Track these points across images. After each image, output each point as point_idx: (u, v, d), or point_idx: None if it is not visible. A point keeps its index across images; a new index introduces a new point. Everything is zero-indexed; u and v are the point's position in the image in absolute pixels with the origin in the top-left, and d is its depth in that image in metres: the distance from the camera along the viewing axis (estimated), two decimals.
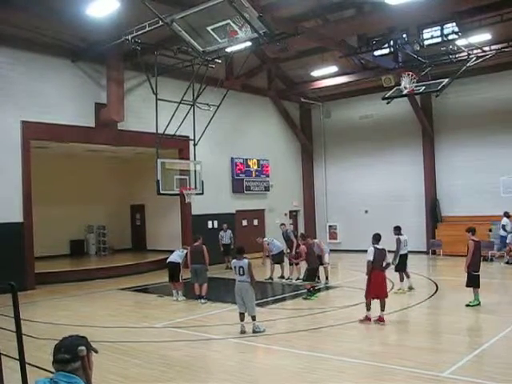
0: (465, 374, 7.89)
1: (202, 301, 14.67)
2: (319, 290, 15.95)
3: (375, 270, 11.63)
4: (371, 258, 11.60)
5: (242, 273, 11.07)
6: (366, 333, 11.15)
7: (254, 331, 10.99)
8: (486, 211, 23.57)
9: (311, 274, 15.56)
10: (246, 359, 9.53)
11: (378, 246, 11.85)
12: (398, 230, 15.68)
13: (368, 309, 11.66)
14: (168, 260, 15.77)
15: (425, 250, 25.28)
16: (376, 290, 11.61)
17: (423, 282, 17.82)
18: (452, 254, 23.35)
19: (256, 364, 9.28)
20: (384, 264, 11.82)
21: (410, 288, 15.65)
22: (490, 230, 23.20)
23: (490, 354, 9.06)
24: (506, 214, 21.90)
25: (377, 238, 12.02)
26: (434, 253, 24.89)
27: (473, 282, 13.17)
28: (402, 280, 15.55)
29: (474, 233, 13.72)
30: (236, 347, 10.35)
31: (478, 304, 13.02)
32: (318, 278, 16.60)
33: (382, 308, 11.55)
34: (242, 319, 11.19)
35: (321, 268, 16.77)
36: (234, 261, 11.47)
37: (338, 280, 18.67)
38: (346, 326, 11.55)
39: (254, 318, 11.13)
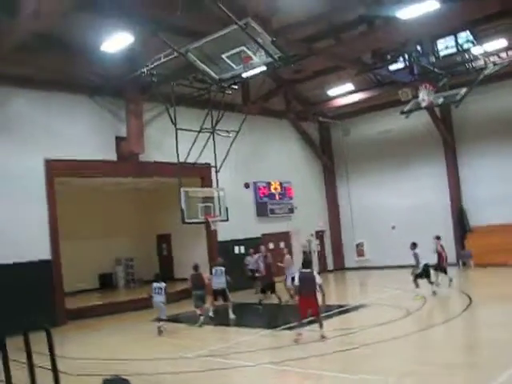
0: None
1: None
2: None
3: (305, 293, 12.20)
4: (319, 282, 12.24)
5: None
6: (401, 351, 10.95)
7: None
8: None
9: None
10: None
11: (304, 270, 12.47)
12: (414, 245, 17.43)
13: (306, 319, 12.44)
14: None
15: (454, 261, 24.90)
16: (308, 309, 12.25)
17: (456, 295, 17.54)
18: (484, 264, 23.00)
19: None
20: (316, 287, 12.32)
21: (434, 293, 16.94)
22: None
23: None
24: None
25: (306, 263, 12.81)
26: (464, 264, 24.52)
27: None
28: (417, 287, 17.07)
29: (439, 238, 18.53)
30: (272, 373, 10.23)
31: None
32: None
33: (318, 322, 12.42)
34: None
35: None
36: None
37: (368, 297, 18.44)
38: (379, 344, 11.36)
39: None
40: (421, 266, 17.02)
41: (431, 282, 17.30)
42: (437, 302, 16.84)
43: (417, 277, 17.11)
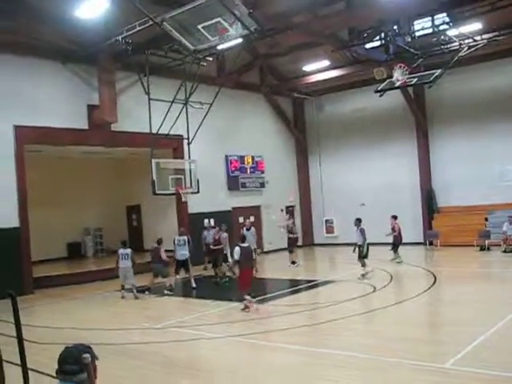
0: (466, 365, 7.91)
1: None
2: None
3: (244, 267, 12.83)
4: (237, 258, 12.82)
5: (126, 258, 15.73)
6: (366, 326, 11.16)
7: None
8: (482, 201, 23.61)
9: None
10: (248, 357, 9.53)
11: (243, 245, 13.02)
12: (359, 221, 17.53)
13: (245, 299, 12.91)
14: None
15: (422, 241, 25.32)
16: (246, 284, 12.92)
17: (422, 273, 17.86)
18: (449, 244, 23.43)
19: (258, 361, 9.26)
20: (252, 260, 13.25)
21: (364, 275, 16.72)
22: (486, 220, 23.28)
23: (489, 344, 9.06)
24: None
25: (242, 238, 13.39)
26: (431, 243, 24.93)
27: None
28: (364, 265, 17.08)
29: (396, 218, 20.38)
30: (238, 345, 10.34)
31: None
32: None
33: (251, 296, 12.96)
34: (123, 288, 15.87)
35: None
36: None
37: (336, 274, 18.70)
38: (345, 320, 11.54)
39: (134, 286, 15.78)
40: (366, 243, 17.17)
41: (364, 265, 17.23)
42: (403, 280, 17.16)
43: (362, 257, 17.15)
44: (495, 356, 8.30)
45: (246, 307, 12.92)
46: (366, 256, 17.09)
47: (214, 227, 20.83)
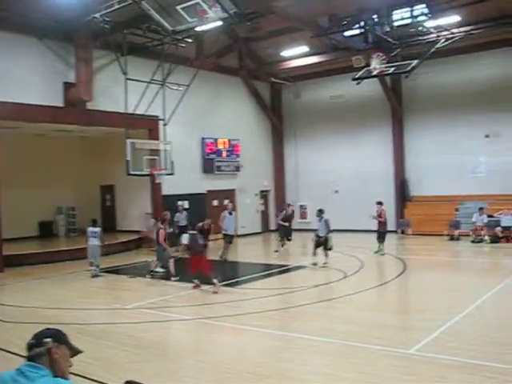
0: (430, 351, 8.10)
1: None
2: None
3: (192, 253, 13.67)
4: (186, 242, 13.92)
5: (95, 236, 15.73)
6: (336, 311, 11.31)
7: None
8: (453, 191, 23.98)
9: None
10: (217, 339, 9.60)
11: (192, 232, 13.94)
12: (320, 212, 17.35)
13: (195, 279, 13.77)
14: None
15: (394, 229, 25.62)
16: (195, 268, 13.51)
17: (392, 261, 18.12)
18: (421, 233, 23.77)
19: (226, 344, 9.36)
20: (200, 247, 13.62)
21: (315, 264, 16.71)
22: (457, 210, 23.63)
23: (454, 330, 9.26)
24: None
25: (194, 227, 14.33)
26: (403, 232, 25.25)
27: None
28: (315, 254, 17.04)
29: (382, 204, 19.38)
30: (206, 328, 10.41)
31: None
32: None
33: (208, 281, 13.39)
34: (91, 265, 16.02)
35: None
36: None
37: (308, 260, 18.83)
38: (315, 305, 11.69)
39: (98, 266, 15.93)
40: (330, 235, 16.82)
41: (315, 254, 16.98)
42: (373, 267, 17.38)
43: (328, 248, 16.79)
44: (460, 343, 8.50)
45: (197, 286, 13.71)
46: (330, 248, 16.84)
47: (187, 209, 20.83)
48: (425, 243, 22.26)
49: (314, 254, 16.93)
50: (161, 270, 15.90)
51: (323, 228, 16.78)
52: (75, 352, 3.09)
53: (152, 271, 15.74)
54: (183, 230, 20.30)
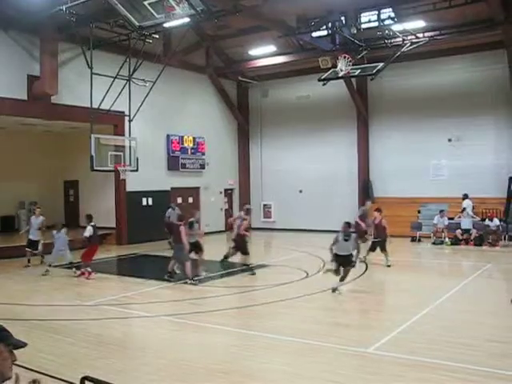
0: (389, 350, 8.24)
1: None
2: None
3: (94, 243, 15.44)
4: (88, 235, 15.22)
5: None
6: (297, 311, 11.39)
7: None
8: (416, 193, 24.36)
9: None
10: (178, 337, 9.59)
11: (93, 224, 15.37)
12: (350, 226, 13.12)
13: (86, 266, 15.20)
14: None
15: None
16: (90, 256, 15.41)
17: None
18: None
19: (188, 341, 9.34)
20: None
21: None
22: (419, 212, 24.02)
23: (413, 330, 9.44)
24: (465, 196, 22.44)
25: (90, 217, 15.71)
26: (366, 233, 25.46)
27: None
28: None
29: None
30: (169, 325, 10.39)
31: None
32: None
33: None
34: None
35: None
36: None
37: (272, 258, 18.95)
38: (276, 304, 11.76)
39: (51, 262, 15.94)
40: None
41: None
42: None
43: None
44: (418, 342, 8.65)
45: (82, 274, 15.07)
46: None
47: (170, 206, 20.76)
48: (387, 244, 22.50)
49: (340, 277, 12.84)
50: (178, 271, 14.95)
51: (352, 245, 12.87)
52: (17, 347, 2.91)
53: (170, 272, 14.57)
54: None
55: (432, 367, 7.47)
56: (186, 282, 14.06)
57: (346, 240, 12.56)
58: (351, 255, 12.75)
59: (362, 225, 18.50)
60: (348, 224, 12.89)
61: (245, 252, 16.11)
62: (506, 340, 8.77)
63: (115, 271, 16.67)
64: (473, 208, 22.29)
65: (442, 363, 7.58)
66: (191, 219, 15.27)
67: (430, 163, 24.43)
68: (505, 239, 21.12)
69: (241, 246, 16.14)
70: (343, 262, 12.64)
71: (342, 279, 12.71)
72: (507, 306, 11.11)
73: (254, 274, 15.56)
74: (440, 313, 10.91)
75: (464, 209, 21.82)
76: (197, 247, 15.23)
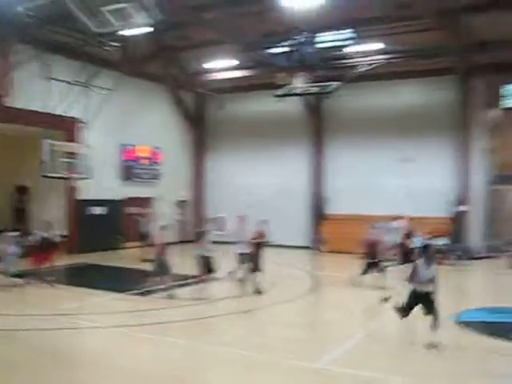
0: (336, 365, 8.36)
1: None
2: None
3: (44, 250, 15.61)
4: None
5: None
6: (247, 325, 11.39)
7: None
8: (367, 211, 24.66)
9: None
10: (122, 348, 9.47)
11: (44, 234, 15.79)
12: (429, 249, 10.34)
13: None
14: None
15: (309, 245, 26.09)
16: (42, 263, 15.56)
17: (303, 276, 18.40)
18: (334, 250, 24.25)
19: (131, 352, 9.22)
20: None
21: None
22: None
23: (360, 346, 9.54)
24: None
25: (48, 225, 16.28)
26: (317, 249, 25.73)
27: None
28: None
29: None
30: (115, 336, 10.25)
31: None
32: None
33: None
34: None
35: None
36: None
37: (221, 272, 18.82)
38: (226, 317, 11.73)
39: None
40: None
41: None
42: (285, 282, 17.56)
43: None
44: (365, 357, 8.77)
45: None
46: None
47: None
48: (336, 260, 22.74)
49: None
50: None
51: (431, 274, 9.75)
52: None
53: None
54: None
55: (378, 381, 7.55)
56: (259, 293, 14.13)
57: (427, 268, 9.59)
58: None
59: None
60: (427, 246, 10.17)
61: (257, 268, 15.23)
62: None
63: (65, 281, 16.26)
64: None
65: (386, 378, 7.67)
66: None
67: (383, 182, 24.87)
68: (450, 259, 21.56)
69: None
70: (422, 301, 9.51)
71: (433, 325, 9.21)
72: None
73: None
74: (385, 329, 11.00)
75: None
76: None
